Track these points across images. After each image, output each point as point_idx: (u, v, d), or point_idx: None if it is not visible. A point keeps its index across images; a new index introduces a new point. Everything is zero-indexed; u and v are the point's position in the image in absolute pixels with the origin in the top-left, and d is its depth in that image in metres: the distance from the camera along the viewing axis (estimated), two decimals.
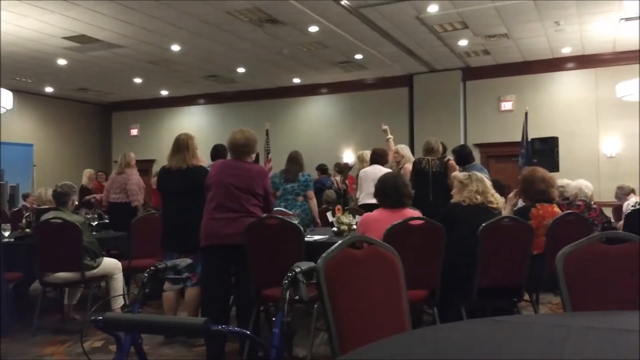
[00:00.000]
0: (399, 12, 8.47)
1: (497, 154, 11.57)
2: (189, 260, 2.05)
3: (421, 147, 6.39)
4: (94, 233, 5.55)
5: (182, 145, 4.51)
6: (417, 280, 3.42)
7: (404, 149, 6.79)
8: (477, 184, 4.12)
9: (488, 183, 4.18)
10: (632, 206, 5.80)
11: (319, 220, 6.00)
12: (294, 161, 5.85)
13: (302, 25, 8.98)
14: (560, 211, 4.40)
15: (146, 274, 1.88)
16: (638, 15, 8.05)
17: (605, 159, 10.91)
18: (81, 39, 9.50)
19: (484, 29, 9.30)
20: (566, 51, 10.79)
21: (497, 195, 4.21)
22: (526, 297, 4.18)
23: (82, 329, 4.73)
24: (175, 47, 10.15)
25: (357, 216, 4.87)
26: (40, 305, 4.78)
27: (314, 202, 5.86)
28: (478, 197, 4.05)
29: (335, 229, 4.75)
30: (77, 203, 5.42)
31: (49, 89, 13.92)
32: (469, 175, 4.23)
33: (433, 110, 12.04)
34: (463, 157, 5.96)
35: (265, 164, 11.19)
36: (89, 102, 15.76)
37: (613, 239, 2.18)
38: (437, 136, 6.37)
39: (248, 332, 1.39)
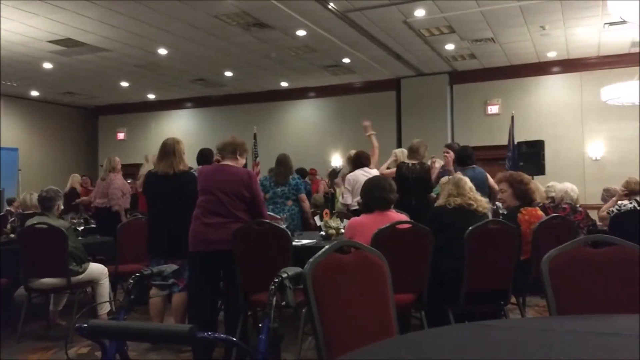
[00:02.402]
0: (386, 17, 8.51)
1: (484, 157, 11.57)
2: (174, 266, 2.04)
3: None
4: (80, 238, 5.50)
5: (169, 149, 4.48)
6: (404, 284, 3.43)
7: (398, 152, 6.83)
8: (451, 187, 4.14)
9: (467, 186, 4.16)
10: (617, 208, 5.85)
11: (312, 221, 6.01)
12: (283, 164, 5.85)
13: (289, 30, 8.99)
14: (544, 214, 4.43)
15: (131, 281, 1.86)
16: (622, 20, 8.14)
17: (590, 162, 11.02)
18: (67, 43, 9.43)
19: (470, 33, 9.37)
20: (552, 55, 10.90)
21: (479, 196, 4.19)
22: (513, 300, 4.21)
23: (67, 336, 4.68)
24: (163, 51, 10.11)
25: (344, 220, 4.87)
26: (26, 311, 4.72)
27: (306, 205, 5.89)
28: (457, 200, 4.07)
29: (323, 233, 4.74)
30: (62, 207, 5.37)
31: (34, 93, 13.80)
32: (449, 178, 4.27)
33: (420, 113, 12.10)
34: (462, 158, 5.97)
35: (253, 167, 11.16)
36: (75, 106, 15.64)
37: (598, 242, 2.20)
38: (425, 139, 6.38)
39: (234, 339, 1.38)
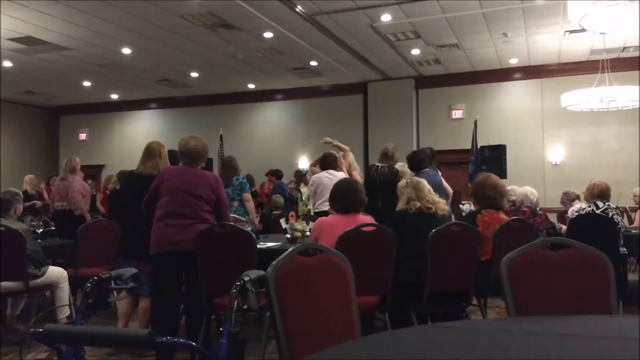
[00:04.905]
0: (353, 21, 8.56)
1: (448, 161, 11.78)
2: (134, 270, 2.00)
3: (374, 154, 6.48)
4: (39, 241, 5.36)
5: (155, 152, 4.46)
6: (369, 286, 3.45)
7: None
8: (410, 191, 4.18)
9: (425, 188, 4.21)
10: (576, 212, 5.99)
11: (257, 222, 6.01)
12: (227, 166, 5.88)
13: (256, 31, 8.95)
14: (505, 217, 4.52)
15: (89, 285, 1.82)
16: (582, 28, 8.37)
17: (550, 166, 11.30)
18: (27, 41, 9.19)
19: (435, 38, 9.50)
20: (513, 62, 11.14)
21: (437, 198, 4.25)
22: (475, 302, 4.27)
23: (23, 341, 4.54)
24: (126, 50, 9.94)
25: (310, 222, 4.87)
26: None
27: (250, 205, 5.87)
28: (417, 204, 4.11)
29: (288, 235, 4.72)
30: (22, 209, 5.21)
31: None
32: (407, 182, 4.31)
33: (387, 117, 12.21)
34: (414, 163, 6.08)
35: (219, 170, 11.06)
36: (36, 106, 15.24)
37: (556, 245, 2.25)
38: (391, 143, 6.44)
39: (194, 344, 1.36)
